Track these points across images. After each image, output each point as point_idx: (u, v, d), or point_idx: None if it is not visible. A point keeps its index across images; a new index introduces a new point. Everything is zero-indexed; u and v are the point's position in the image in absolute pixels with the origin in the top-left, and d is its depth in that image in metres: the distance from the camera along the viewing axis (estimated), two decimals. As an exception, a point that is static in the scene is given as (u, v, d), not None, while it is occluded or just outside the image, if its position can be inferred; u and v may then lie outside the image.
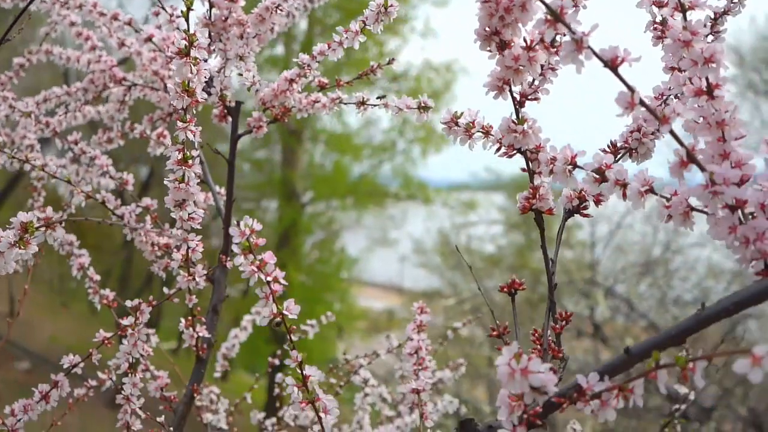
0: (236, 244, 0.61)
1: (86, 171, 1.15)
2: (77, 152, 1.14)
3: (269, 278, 0.62)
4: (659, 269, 6.46)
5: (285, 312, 0.63)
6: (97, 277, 1.10)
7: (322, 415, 0.65)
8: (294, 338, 0.67)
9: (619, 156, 0.69)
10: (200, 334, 0.98)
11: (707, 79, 0.54)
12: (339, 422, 1.40)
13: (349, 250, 11.73)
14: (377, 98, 0.94)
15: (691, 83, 0.55)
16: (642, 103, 0.51)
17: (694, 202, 0.55)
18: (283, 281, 0.63)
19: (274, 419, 1.36)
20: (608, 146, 0.69)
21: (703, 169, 0.51)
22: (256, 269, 0.62)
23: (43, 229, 0.68)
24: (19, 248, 0.67)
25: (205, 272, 0.91)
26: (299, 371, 0.65)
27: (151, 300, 0.93)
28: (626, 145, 0.69)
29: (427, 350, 0.98)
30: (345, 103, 0.97)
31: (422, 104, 0.85)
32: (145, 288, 9.54)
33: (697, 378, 0.45)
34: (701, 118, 0.55)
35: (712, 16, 0.74)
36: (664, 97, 0.69)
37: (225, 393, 1.50)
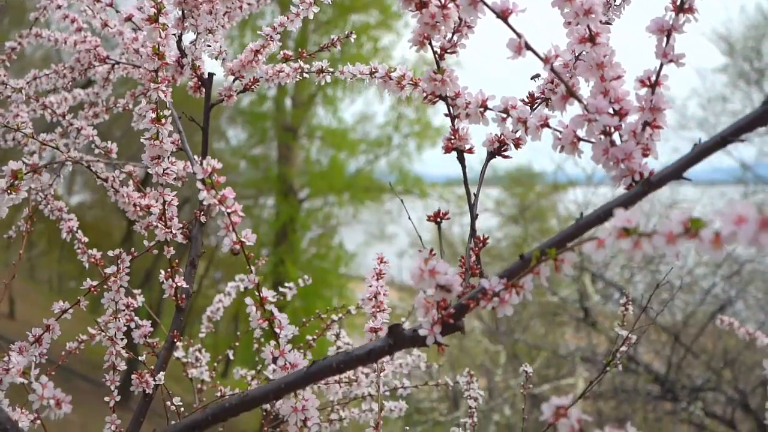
0: (200, 180, 0.71)
1: (74, 143, 1.25)
2: (65, 125, 1.24)
3: (229, 210, 0.72)
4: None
5: (243, 239, 0.73)
6: (86, 239, 1.20)
7: (277, 330, 0.75)
8: (252, 268, 0.77)
9: (536, 105, 0.79)
10: (179, 285, 1.07)
11: (589, 27, 0.63)
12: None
13: (346, 246, 11.82)
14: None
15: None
16: (527, 46, 0.61)
17: (581, 134, 0.65)
18: (241, 213, 0.73)
19: (253, 372, 1.46)
20: (527, 96, 0.79)
21: (580, 101, 0.61)
22: (217, 202, 0.72)
23: (30, 174, 0.78)
24: (10, 193, 0.77)
25: (181, 225, 1.01)
26: (257, 293, 0.75)
27: (132, 251, 1.03)
28: (542, 96, 0.78)
29: (384, 295, 1.08)
30: (307, 72, 1.07)
31: (373, 70, 0.95)
32: (145, 284, 9.65)
33: (566, 268, 0.55)
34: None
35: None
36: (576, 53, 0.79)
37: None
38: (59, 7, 1.29)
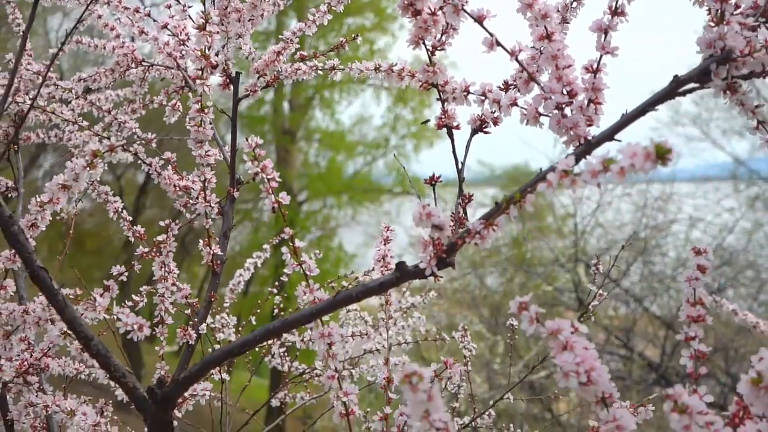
0: (245, 153, 0.90)
1: (116, 135, 1.44)
2: (109, 120, 1.43)
3: (269, 177, 0.91)
4: (641, 246, 6.78)
5: (280, 199, 0.92)
6: (130, 218, 1.38)
7: (307, 272, 0.94)
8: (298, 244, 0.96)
9: (510, 89, 0.98)
10: (215, 252, 1.26)
11: (546, 28, 0.83)
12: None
13: (346, 247, 12.00)
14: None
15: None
16: (498, 44, 0.80)
17: (541, 110, 0.84)
18: (278, 179, 0.92)
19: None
20: (503, 83, 0.98)
21: (539, 84, 0.81)
22: (260, 171, 0.91)
23: (109, 153, 0.97)
24: (90, 170, 0.96)
25: (218, 200, 1.20)
26: (291, 244, 0.94)
27: (178, 222, 1.22)
28: (514, 82, 0.97)
29: (391, 258, 1.27)
30: (321, 70, 1.26)
31: (377, 66, 1.14)
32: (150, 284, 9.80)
33: (528, 205, 0.74)
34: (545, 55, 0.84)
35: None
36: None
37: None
38: (100, 17, 1.48)
